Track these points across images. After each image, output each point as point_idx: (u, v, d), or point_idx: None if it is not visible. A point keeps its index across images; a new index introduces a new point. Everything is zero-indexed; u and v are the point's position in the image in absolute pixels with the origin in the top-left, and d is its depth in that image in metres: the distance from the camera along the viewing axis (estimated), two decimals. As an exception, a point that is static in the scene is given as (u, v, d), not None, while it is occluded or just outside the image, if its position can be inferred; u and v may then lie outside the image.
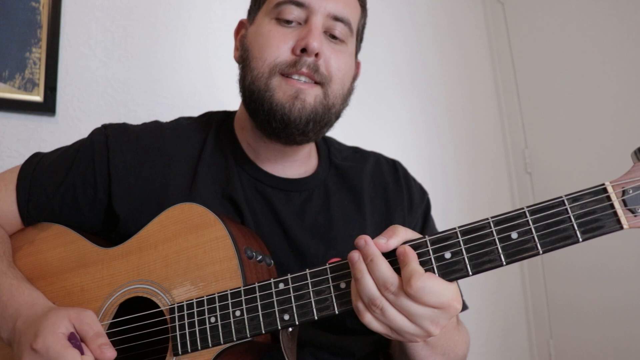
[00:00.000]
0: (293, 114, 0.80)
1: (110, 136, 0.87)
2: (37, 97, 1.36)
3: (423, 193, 1.00)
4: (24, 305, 0.73)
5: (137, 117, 1.51)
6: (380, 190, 0.95)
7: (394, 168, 1.00)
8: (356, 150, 1.03)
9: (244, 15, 1.82)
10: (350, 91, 0.89)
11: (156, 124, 0.94)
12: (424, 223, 0.97)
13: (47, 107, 1.37)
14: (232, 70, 1.68)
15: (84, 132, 1.23)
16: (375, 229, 0.91)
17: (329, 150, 0.99)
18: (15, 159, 1.32)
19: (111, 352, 0.68)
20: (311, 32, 0.79)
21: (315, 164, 0.95)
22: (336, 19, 0.83)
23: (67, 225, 0.86)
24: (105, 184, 0.84)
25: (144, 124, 0.93)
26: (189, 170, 0.87)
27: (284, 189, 0.89)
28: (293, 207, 0.88)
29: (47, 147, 1.35)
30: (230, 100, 1.72)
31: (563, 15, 2.38)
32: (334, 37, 0.84)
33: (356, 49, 0.92)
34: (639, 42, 2.10)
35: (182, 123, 0.94)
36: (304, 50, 0.80)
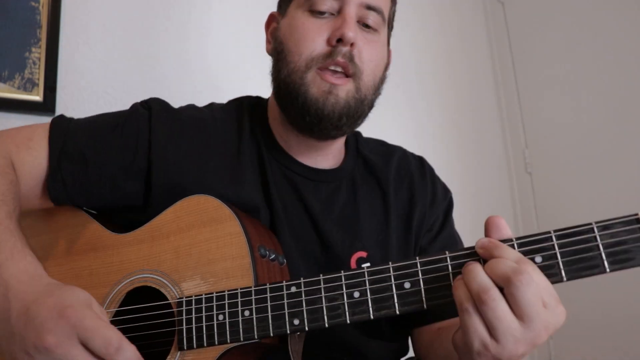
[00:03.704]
0: (327, 109, 0.80)
1: (153, 109, 0.87)
2: (37, 97, 1.36)
3: (446, 191, 1.00)
4: (23, 274, 0.63)
5: (137, 117, 1.51)
6: (406, 182, 0.95)
7: (421, 163, 1.01)
8: (382, 144, 1.03)
9: (244, 14, 1.82)
10: (382, 80, 0.89)
11: (192, 106, 0.94)
12: (444, 219, 0.97)
13: (47, 107, 1.37)
14: (233, 70, 1.69)
15: (83, 132, 1.23)
16: (398, 222, 0.91)
17: (357, 142, 0.99)
18: (15, 159, 1.32)
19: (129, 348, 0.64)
20: (346, 22, 0.80)
21: (344, 156, 0.96)
22: (369, 7, 0.84)
23: (91, 197, 0.83)
24: (145, 154, 0.83)
25: (181, 106, 0.93)
26: (229, 150, 0.86)
27: (313, 178, 0.89)
28: (320, 197, 0.88)
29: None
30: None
31: (563, 15, 2.38)
32: (367, 26, 0.85)
33: (388, 38, 0.93)
34: (639, 41, 2.10)
35: (216, 106, 0.95)
36: (339, 41, 0.80)
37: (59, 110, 1.40)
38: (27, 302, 0.60)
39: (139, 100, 1.51)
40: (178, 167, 0.83)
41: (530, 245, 0.57)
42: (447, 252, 0.60)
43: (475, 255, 0.58)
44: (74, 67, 1.44)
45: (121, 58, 1.51)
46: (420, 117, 2.27)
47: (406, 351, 0.94)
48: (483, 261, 0.57)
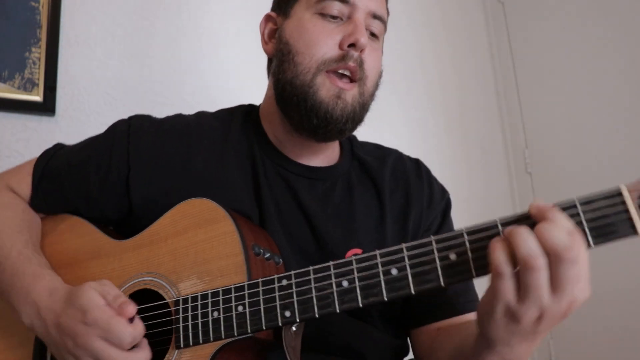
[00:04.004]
0: (336, 113, 0.81)
1: (132, 125, 0.89)
2: (37, 97, 1.36)
3: (444, 192, 1.00)
4: (44, 291, 0.74)
5: (137, 117, 1.51)
6: (402, 183, 0.96)
7: (417, 165, 1.01)
8: (378, 147, 1.04)
9: (244, 15, 1.82)
10: (378, 86, 0.91)
11: (178, 114, 0.96)
12: (442, 220, 0.97)
13: (47, 107, 1.37)
14: (232, 70, 1.69)
15: (83, 132, 1.22)
16: (394, 222, 0.91)
17: (352, 144, 1.00)
18: (15, 158, 1.32)
19: (131, 307, 0.70)
20: (358, 28, 0.81)
21: (338, 156, 0.97)
22: (375, 16, 0.85)
23: (76, 213, 0.88)
24: (121, 167, 0.85)
25: (166, 116, 0.95)
26: (214, 152, 0.87)
27: (308, 176, 0.90)
28: (316, 194, 0.89)
29: (47, 147, 1.35)
30: (231, 99, 1.71)
31: (563, 15, 2.38)
32: (371, 34, 0.86)
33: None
34: (639, 41, 2.10)
35: (205, 113, 0.96)
36: (350, 45, 0.81)
37: (59, 110, 1.40)
38: (55, 316, 0.71)
39: (138, 100, 1.52)
40: (160, 176, 0.84)
41: (514, 224, 0.56)
42: (432, 237, 0.60)
43: (459, 237, 0.58)
44: (74, 67, 1.44)
45: (121, 58, 1.52)
46: (419, 117, 2.27)
47: (407, 351, 0.94)
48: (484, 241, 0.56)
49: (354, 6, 0.83)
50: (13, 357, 0.83)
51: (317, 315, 0.63)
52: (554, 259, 0.51)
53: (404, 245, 0.61)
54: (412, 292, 0.59)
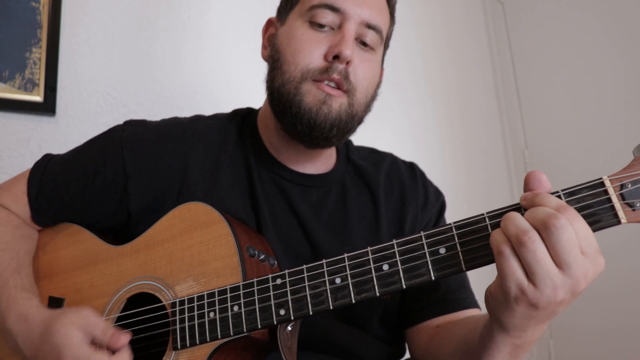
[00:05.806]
0: (319, 118, 0.80)
1: (126, 131, 0.88)
2: (37, 97, 1.36)
3: (439, 194, 1.01)
4: (18, 319, 0.74)
5: (137, 117, 1.51)
6: (397, 186, 0.96)
7: (411, 168, 1.01)
8: (373, 151, 1.04)
9: (244, 15, 1.82)
10: (373, 98, 0.89)
11: (174, 118, 0.95)
12: (437, 220, 0.97)
13: (47, 107, 1.37)
14: (232, 70, 1.69)
15: (84, 132, 1.23)
16: (390, 224, 0.92)
17: (348, 149, 1.00)
18: (15, 159, 1.32)
19: (124, 336, 0.69)
20: (344, 40, 0.80)
21: (334, 162, 0.97)
22: (369, 26, 0.84)
23: (77, 220, 0.88)
24: (117, 175, 0.85)
25: (162, 119, 0.94)
26: (210, 158, 0.87)
27: (302, 184, 0.90)
28: (310, 201, 0.89)
29: (47, 147, 1.35)
30: (231, 100, 1.71)
31: (563, 15, 2.38)
32: (364, 44, 0.85)
33: (382, 56, 0.93)
34: (639, 42, 2.10)
35: (201, 117, 0.96)
36: (336, 57, 0.80)
37: (59, 111, 1.40)
38: (33, 350, 0.70)
39: (138, 100, 1.52)
40: (158, 184, 0.84)
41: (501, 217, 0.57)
42: (422, 232, 0.61)
43: (450, 231, 0.60)
44: (74, 67, 1.44)
45: (121, 58, 1.52)
46: (419, 118, 2.27)
47: (402, 354, 0.94)
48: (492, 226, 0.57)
49: (345, 15, 0.81)
50: None
51: (311, 313, 0.64)
52: (543, 229, 0.51)
53: (394, 242, 0.62)
54: (404, 286, 0.61)
